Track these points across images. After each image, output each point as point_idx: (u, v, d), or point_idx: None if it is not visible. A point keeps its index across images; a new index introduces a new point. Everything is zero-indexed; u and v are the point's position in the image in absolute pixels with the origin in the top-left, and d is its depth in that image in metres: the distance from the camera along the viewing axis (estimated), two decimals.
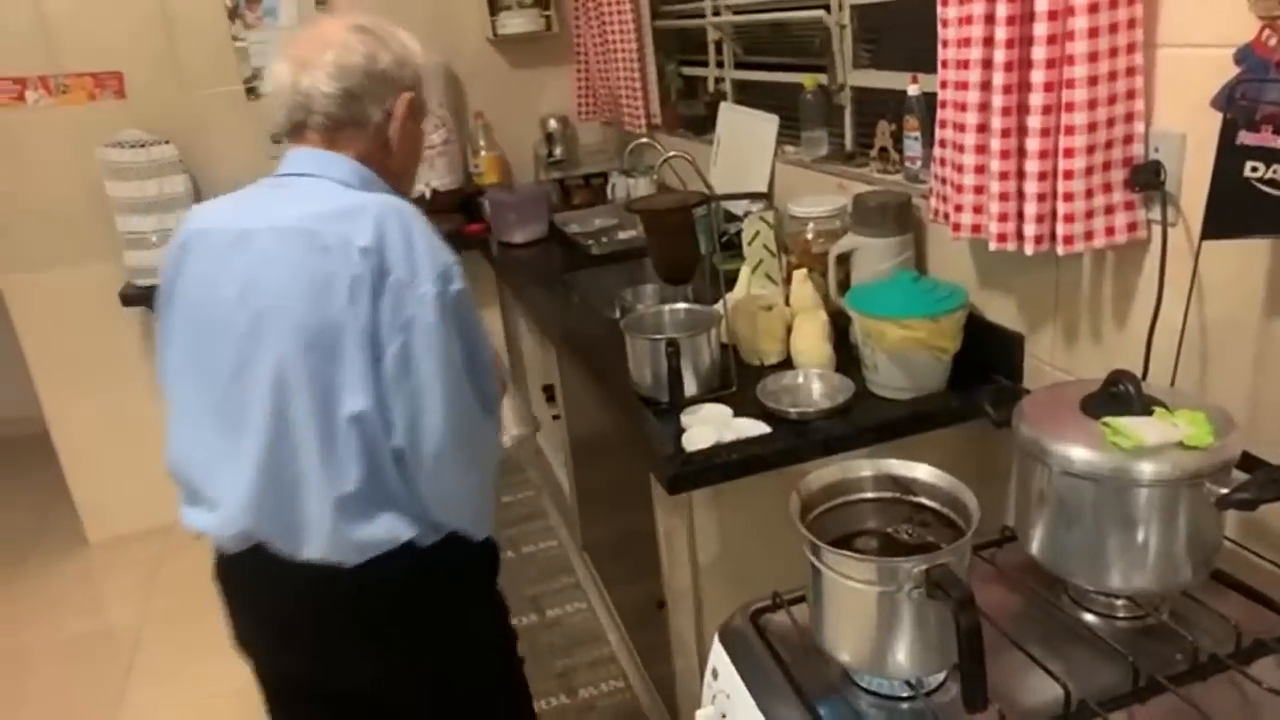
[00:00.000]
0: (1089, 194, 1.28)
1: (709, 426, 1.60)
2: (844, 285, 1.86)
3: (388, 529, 1.19)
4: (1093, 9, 1.18)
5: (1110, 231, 1.30)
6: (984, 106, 1.35)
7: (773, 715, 0.94)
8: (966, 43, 1.34)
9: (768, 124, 2.37)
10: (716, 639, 1.07)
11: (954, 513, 0.94)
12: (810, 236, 1.99)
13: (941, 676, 0.94)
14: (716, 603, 1.68)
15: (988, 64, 1.33)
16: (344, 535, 1.18)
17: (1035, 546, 1.03)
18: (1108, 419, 0.95)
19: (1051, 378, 1.54)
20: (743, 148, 2.49)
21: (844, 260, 1.84)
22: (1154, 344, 1.26)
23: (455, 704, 1.40)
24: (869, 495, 0.98)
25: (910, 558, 0.85)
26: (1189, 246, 1.24)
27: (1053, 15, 1.22)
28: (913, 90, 1.80)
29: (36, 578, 3.16)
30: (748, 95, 2.69)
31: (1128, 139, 1.27)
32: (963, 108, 1.38)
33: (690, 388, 1.72)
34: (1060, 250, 1.31)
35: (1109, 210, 1.29)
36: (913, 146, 1.83)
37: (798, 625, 1.03)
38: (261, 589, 1.32)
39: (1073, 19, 1.20)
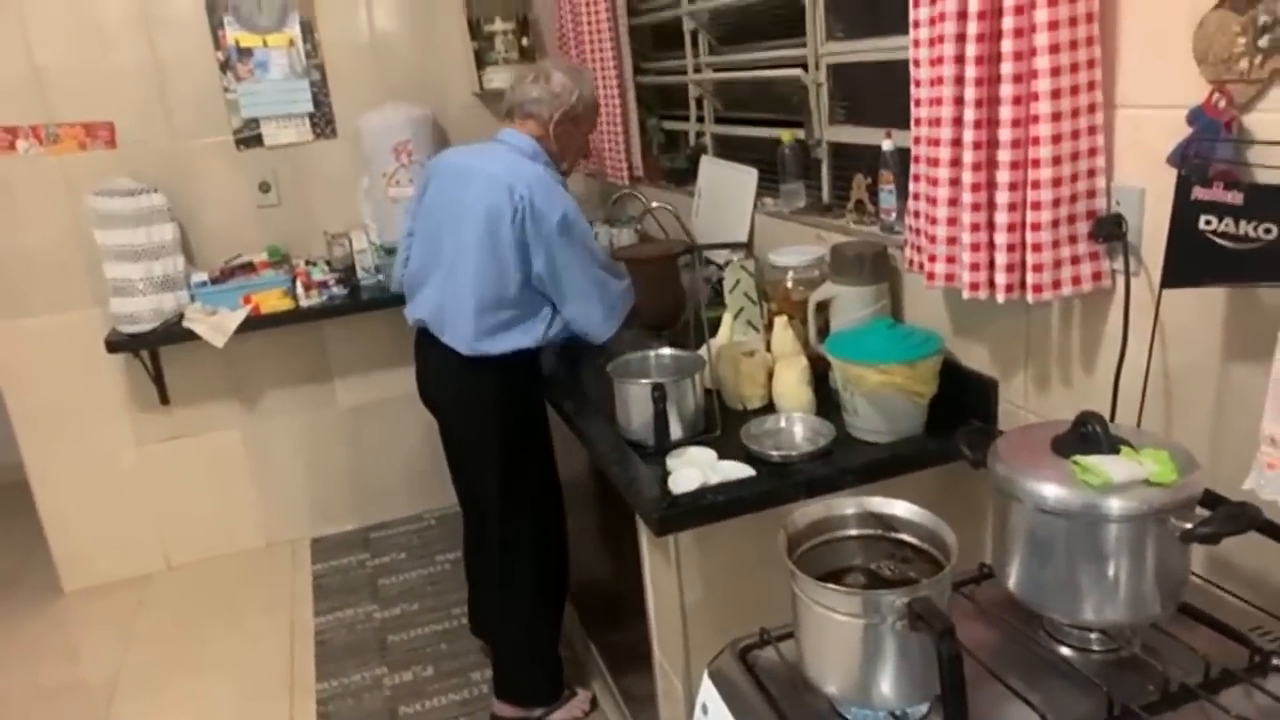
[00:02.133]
0: (1055, 244, 1.34)
1: (694, 469, 1.63)
2: (823, 332, 1.92)
3: (485, 344, 2.09)
4: (1054, 72, 1.26)
5: (1076, 280, 1.36)
6: (955, 162, 1.42)
7: None
8: (938, 101, 1.41)
9: (747, 176, 2.45)
10: (705, 676, 1.09)
11: (934, 548, 0.98)
12: (790, 285, 2.05)
13: (925, 708, 0.97)
14: (704, 644, 1.70)
15: (958, 121, 1.40)
16: (469, 339, 2.10)
17: (1012, 582, 1.07)
18: (1077, 458, 1.00)
19: (1025, 420, 1.60)
20: (723, 199, 2.57)
21: (823, 308, 1.90)
22: (1120, 387, 1.31)
23: (511, 469, 2.22)
24: (852, 532, 1.02)
25: (892, 590, 0.88)
26: (1151, 295, 1.30)
27: (1018, 78, 1.29)
28: (886, 145, 1.87)
29: (10, 626, 3.11)
30: (728, 149, 2.77)
31: (1090, 193, 1.34)
32: (935, 163, 1.45)
33: (676, 432, 1.76)
34: (1030, 298, 1.37)
35: (1075, 260, 1.36)
36: (887, 199, 1.91)
37: (785, 661, 1.06)
38: (424, 353, 2.27)
39: (1036, 81, 1.28)
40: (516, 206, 1.98)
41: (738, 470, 1.63)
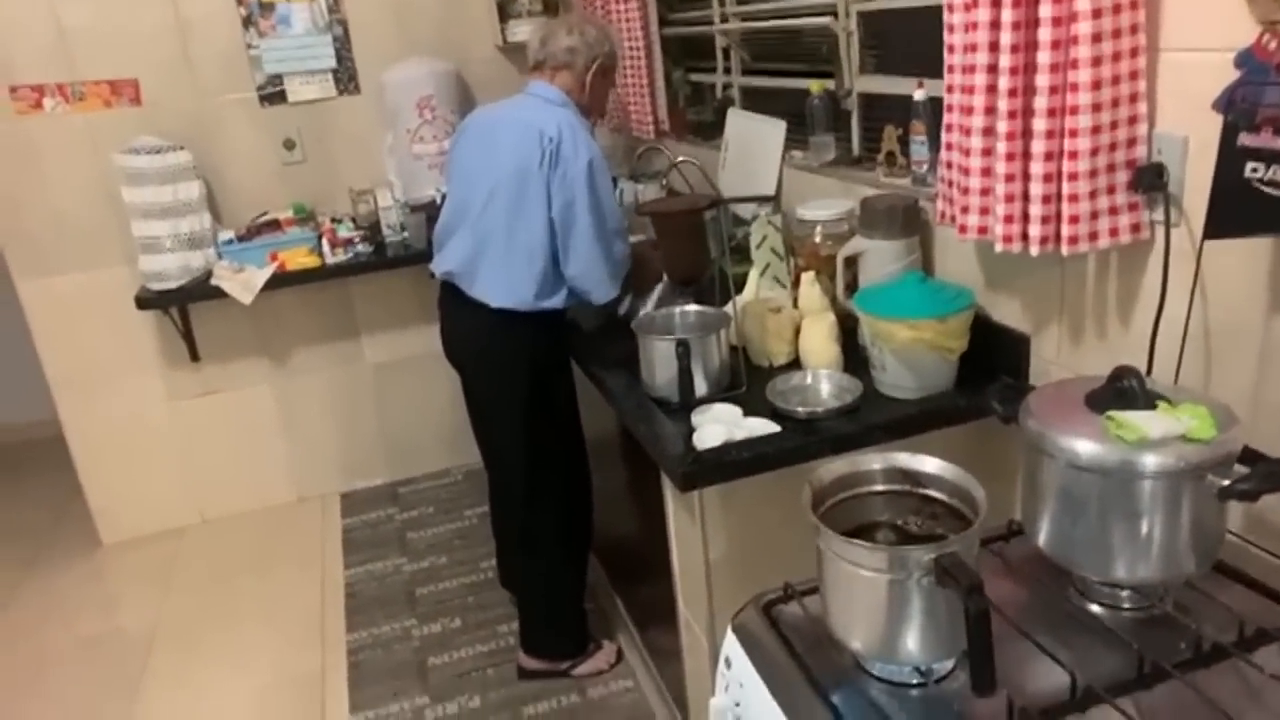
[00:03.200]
0: (1093, 195, 1.30)
1: (719, 425, 1.62)
2: (851, 287, 1.89)
3: (513, 296, 2.07)
4: (1096, 14, 1.21)
5: (1114, 232, 1.32)
6: (990, 110, 1.38)
7: (786, 703, 0.97)
8: (973, 48, 1.37)
9: (775, 129, 2.40)
10: (729, 629, 1.09)
11: (962, 504, 0.96)
12: (818, 239, 2.01)
13: (950, 664, 0.97)
14: (728, 599, 1.70)
15: (993, 68, 1.35)
16: (492, 290, 2.09)
17: (1042, 539, 1.05)
18: (1112, 413, 0.98)
19: (1058, 377, 1.56)
20: (751, 153, 2.52)
21: (851, 263, 1.87)
22: (1158, 342, 1.28)
23: (537, 424, 2.22)
24: (879, 488, 1.01)
25: (920, 545, 0.87)
26: (1191, 247, 1.26)
27: (1057, 21, 1.25)
28: (918, 95, 1.82)
29: (50, 578, 3.19)
30: (755, 101, 2.72)
31: (1131, 141, 1.29)
32: (969, 111, 1.41)
33: (701, 388, 1.75)
34: (1065, 251, 1.34)
35: (1113, 211, 1.32)
36: (919, 150, 1.86)
37: (809, 615, 1.05)
38: (450, 308, 2.23)
39: (1076, 24, 1.23)
40: (545, 149, 1.98)
41: (763, 426, 1.62)
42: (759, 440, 1.58)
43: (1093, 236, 1.32)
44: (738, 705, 1.04)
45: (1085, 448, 0.98)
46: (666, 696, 2.22)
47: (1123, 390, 1.01)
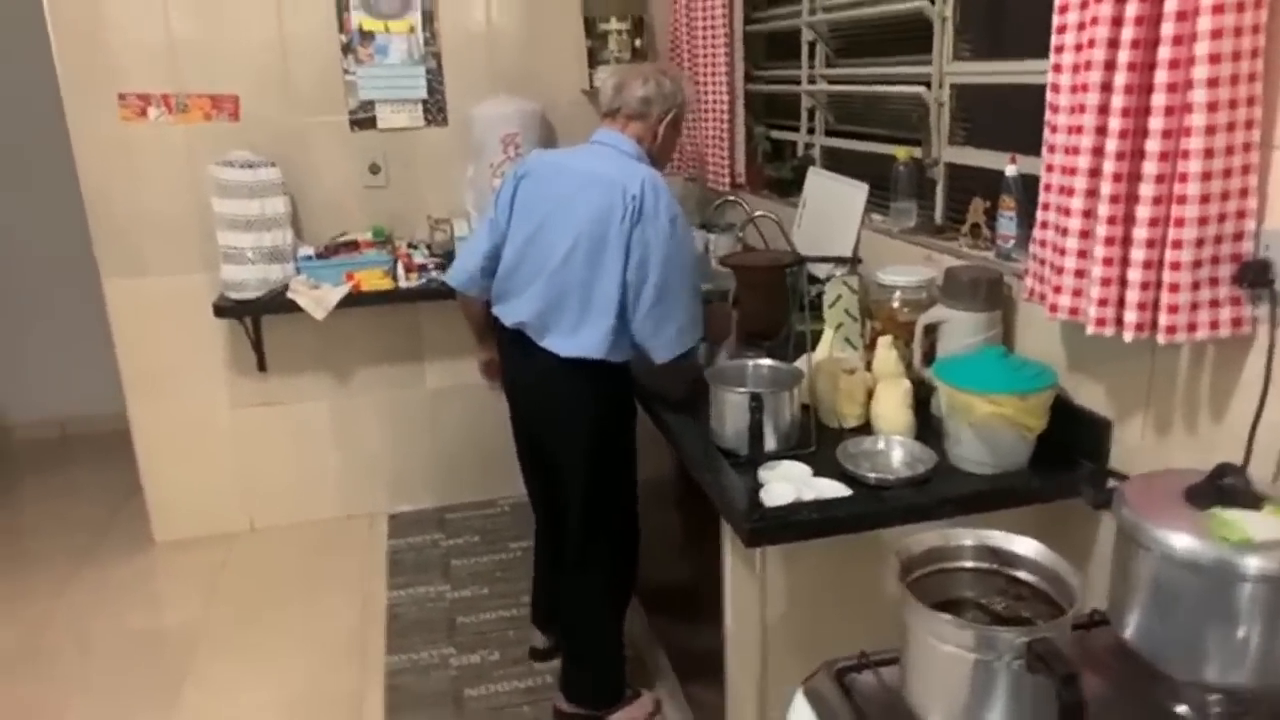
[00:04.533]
0: (1195, 286, 1.29)
1: (788, 484, 1.62)
2: (928, 356, 1.88)
3: (585, 347, 2.04)
4: (1212, 107, 1.21)
5: (1214, 325, 1.31)
6: (1091, 192, 1.37)
7: None
8: (1079, 130, 1.37)
9: (856, 191, 2.42)
10: (799, 694, 1.08)
11: (1053, 589, 0.94)
12: (896, 305, 2.01)
13: None
14: (781, 661, 1.68)
15: (1098, 151, 1.35)
16: (564, 341, 2.06)
17: (1130, 632, 1.03)
18: (1216, 510, 0.96)
19: (1140, 466, 1.53)
20: (828, 212, 2.54)
21: (931, 331, 1.86)
22: (1256, 441, 1.25)
23: (598, 475, 2.20)
24: (967, 564, 0.99)
25: (1012, 628, 0.86)
26: None
27: (1169, 111, 1.25)
28: (1010, 170, 1.83)
29: (104, 570, 3.25)
30: (834, 162, 2.74)
31: (1237, 235, 1.28)
32: (1070, 192, 1.40)
33: (770, 443, 1.74)
34: (1161, 339, 1.32)
35: (1214, 304, 1.30)
36: (1007, 225, 1.86)
37: (885, 686, 1.03)
38: (517, 356, 2.18)
39: (1190, 116, 1.23)
40: (628, 206, 1.95)
41: (833, 489, 1.61)
42: (828, 502, 1.57)
43: (1191, 328, 1.31)
44: None
45: (1183, 543, 0.96)
46: None
47: (1225, 488, 0.99)
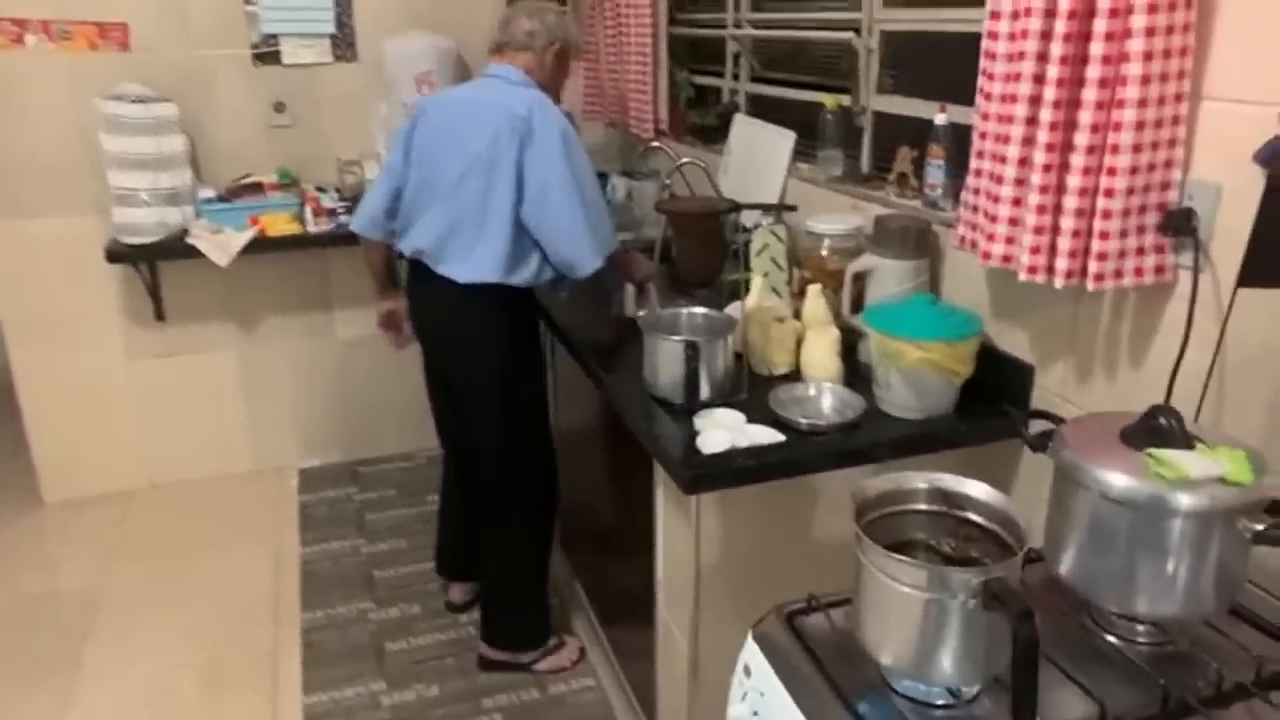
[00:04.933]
0: (1123, 234, 1.32)
1: (723, 431, 1.61)
2: (856, 304, 1.90)
3: (482, 270, 2.07)
4: (1148, 57, 1.23)
5: (1139, 272, 1.35)
6: (1028, 140, 1.39)
7: (810, 712, 0.96)
8: (1016, 77, 1.38)
9: (783, 139, 2.40)
10: (750, 637, 1.08)
11: (1002, 530, 0.96)
12: (825, 253, 2.02)
13: (977, 689, 0.97)
14: (714, 606, 1.69)
15: (1035, 100, 1.37)
16: (461, 266, 2.09)
17: (1065, 567, 1.06)
18: (1152, 450, 0.99)
19: (1060, 409, 1.58)
20: (754, 160, 2.52)
21: (860, 279, 1.88)
22: (1175, 384, 1.30)
23: (507, 407, 2.23)
24: (919, 507, 1.00)
25: (968, 568, 0.87)
26: (1215, 293, 1.29)
27: (1107, 59, 1.26)
28: (940, 119, 1.84)
29: None
30: (760, 109, 2.72)
31: (1164, 185, 1.31)
32: (1005, 140, 1.42)
33: (704, 392, 1.73)
34: (1090, 286, 1.35)
35: (1140, 251, 1.34)
36: (935, 174, 1.87)
37: (835, 628, 1.05)
38: (419, 288, 2.23)
39: (1127, 65, 1.24)
40: (515, 126, 2.00)
41: (767, 435, 1.62)
42: (763, 449, 1.58)
43: (1118, 275, 1.34)
44: (756, 715, 1.03)
45: (1121, 482, 0.99)
46: (631, 698, 2.20)
47: (1159, 428, 1.02)
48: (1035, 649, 0.82)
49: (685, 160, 2.40)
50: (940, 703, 0.96)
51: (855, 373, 1.86)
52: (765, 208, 1.86)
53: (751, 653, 1.06)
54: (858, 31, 2.15)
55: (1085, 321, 1.53)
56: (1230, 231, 1.27)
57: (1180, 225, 1.31)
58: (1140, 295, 1.42)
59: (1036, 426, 1.21)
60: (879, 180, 2.14)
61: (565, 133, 2.04)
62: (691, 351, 1.67)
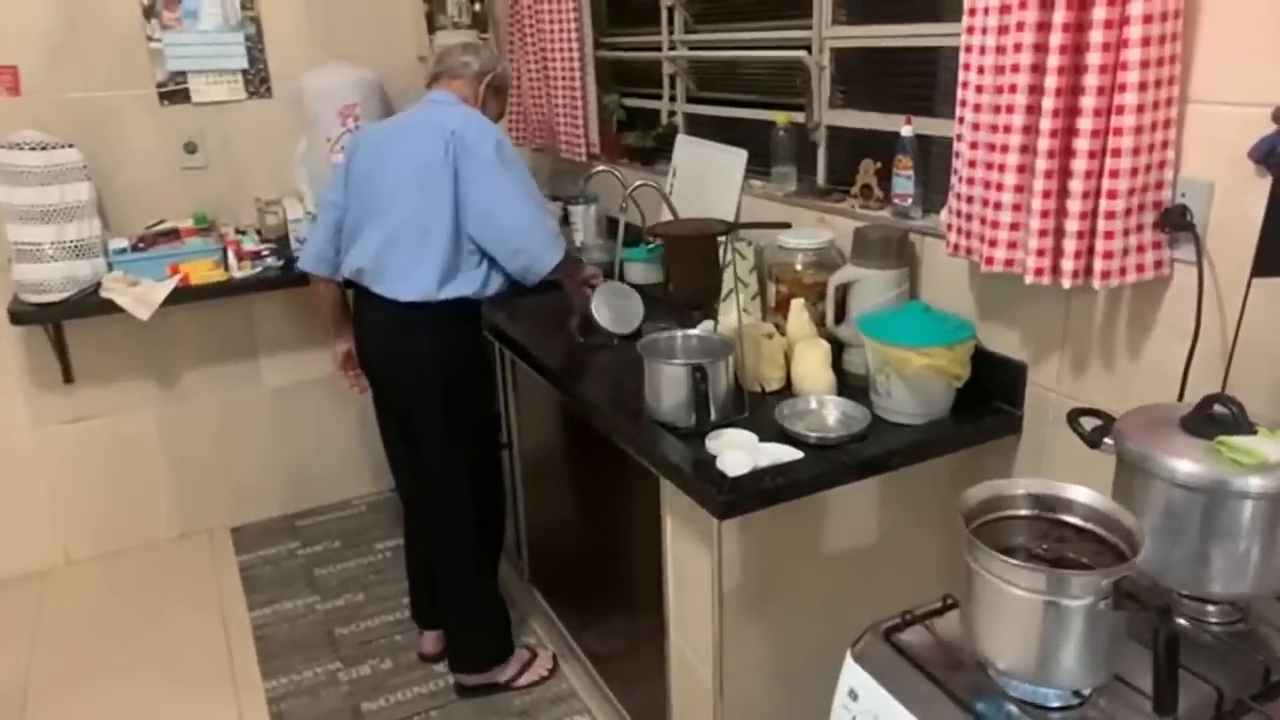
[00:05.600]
0: (1125, 233, 1.39)
1: (741, 452, 1.60)
2: (838, 314, 1.93)
3: (422, 287, 2.06)
4: (1144, 65, 1.30)
5: (1140, 269, 1.42)
6: (1026, 149, 1.44)
7: None
8: (1012, 89, 1.43)
9: (734, 158, 2.42)
10: (849, 660, 1.07)
11: (1104, 530, 0.99)
12: (800, 267, 2.05)
13: (1089, 690, 0.98)
14: (736, 631, 1.68)
15: (1031, 109, 1.42)
16: (401, 284, 2.07)
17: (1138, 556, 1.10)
18: (1223, 438, 1.03)
19: (1057, 404, 1.65)
20: (704, 180, 2.54)
21: (841, 290, 1.91)
22: (1189, 375, 1.37)
23: (455, 426, 2.20)
24: (1019, 513, 1.02)
25: (1090, 571, 0.89)
26: (1214, 285, 1.37)
27: (1104, 69, 1.32)
28: (906, 131, 1.89)
29: None
30: (696, 129, 2.75)
31: (1159, 184, 1.39)
32: (1004, 149, 1.46)
33: (711, 413, 1.72)
34: (1097, 284, 1.41)
35: (1140, 249, 1.41)
36: (903, 184, 1.93)
37: (938, 639, 1.05)
38: (364, 311, 2.20)
39: (1125, 73, 1.31)
40: (448, 142, 2.02)
41: (785, 453, 1.62)
42: (787, 467, 1.58)
43: (1122, 272, 1.41)
44: None
45: (1197, 469, 1.03)
46: None
47: (1220, 416, 1.07)
48: (1177, 643, 0.85)
49: (640, 183, 2.39)
50: (1057, 704, 0.97)
51: (844, 383, 1.89)
52: (761, 227, 1.87)
53: (855, 675, 1.05)
54: (809, 49, 2.19)
55: (1078, 318, 1.60)
56: (1223, 226, 1.35)
57: (1177, 221, 1.38)
58: (1135, 291, 1.49)
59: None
60: (837, 193, 2.19)
61: (500, 142, 2.07)
62: (699, 374, 1.66)
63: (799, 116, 2.28)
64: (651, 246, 2.64)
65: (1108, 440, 1.15)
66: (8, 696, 2.47)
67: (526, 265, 2.08)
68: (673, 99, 2.84)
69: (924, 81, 2.03)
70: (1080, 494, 1.01)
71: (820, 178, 2.28)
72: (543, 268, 2.08)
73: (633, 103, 3.09)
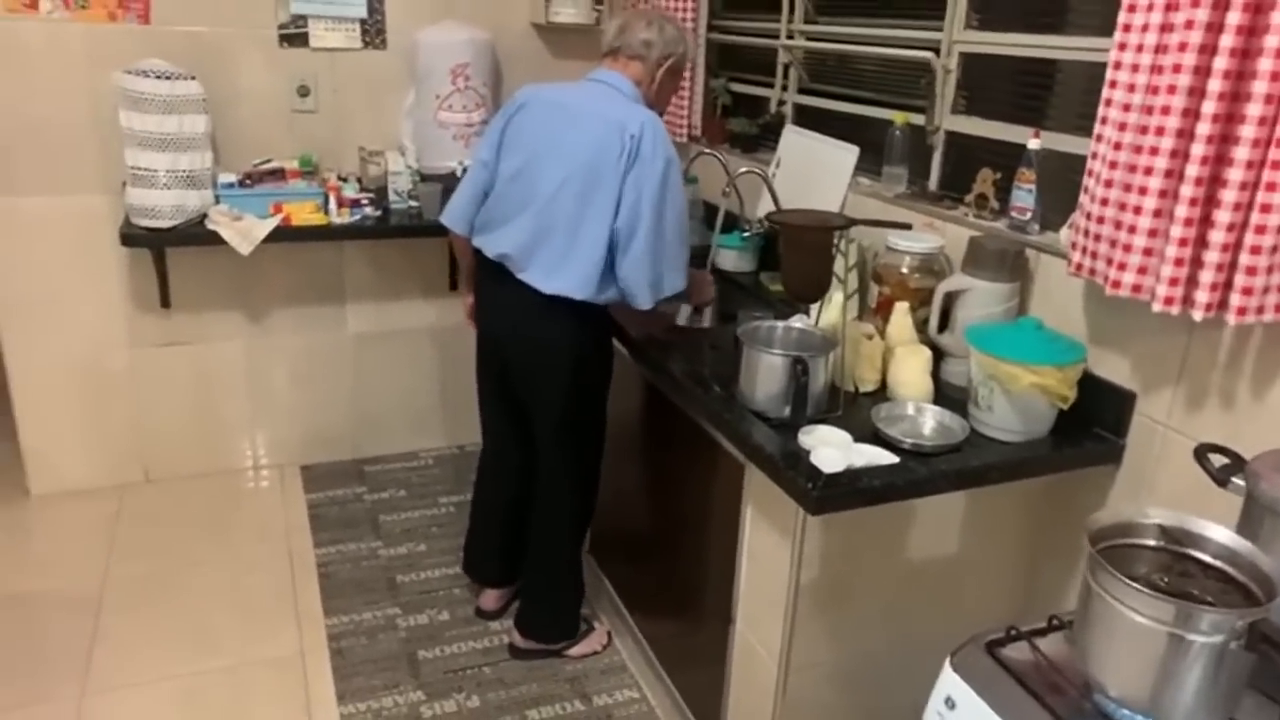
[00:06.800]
0: (1269, 270, 1.34)
1: (834, 450, 1.60)
2: (942, 323, 1.90)
3: (570, 285, 2.02)
4: None
5: (1279, 309, 1.37)
6: (1171, 173, 1.40)
7: None
8: (1165, 110, 1.39)
9: (845, 153, 2.39)
10: (949, 669, 1.07)
11: (1237, 571, 0.96)
12: (905, 270, 2.02)
13: None
14: (806, 628, 1.68)
15: (1183, 133, 1.38)
16: (548, 277, 2.04)
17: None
18: None
19: (1166, 439, 1.61)
20: (810, 172, 2.51)
21: (949, 298, 1.88)
22: None
23: (573, 415, 2.21)
24: (1146, 542, 1.00)
25: (1229, 610, 0.87)
26: None
27: (1269, 99, 1.28)
28: (1034, 144, 1.85)
29: None
30: (804, 120, 2.72)
31: None
32: (1148, 171, 1.43)
33: (808, 407, 1.72)
34: (1232, 320, 1.37)
35: None
36: (1024, 198, 1.89)
37: (1044, 658, 1.04)
38: (495, 290, 2.16)
39: None
40: (625, 144, 1.95)
41: (880, 455, 1.61)
42: (883, 469, 1.57)
43: (1260, 310, 1.37)
44: None
45: None
46: (685, 711, 2.17)
47: None
48: None
49: (744, 169, 2.38)
50: None
51: (940, 392, 1.86)
52: (882, 225, 1.85)
53: (953, 684, 1.05)
54: (937, 51, 2.15)
55: (1199, 352, 1.55)
56: None
57: None
58: (1267, 330, 1.45)
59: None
60: (949, 200, 2.15)
61: (670, 162, 1.99)
62: (801, 367, 1.65)
63: (917, 118, 2.24)
64: (746, 234, 2.63)
65: (1236, 480, 1.12)
66: (85, 603, 2.56)
67: (625, 294, 2.04)
68: (784, 88, 2.81)
69: (1048, 95, 1.99)
70: (1215, 531, 0.99)
71: (933, 182, 2.25)
72: (635, 304, 2.04)
73: (739, 88, 3.07)
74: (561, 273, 2.03)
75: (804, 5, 2.67)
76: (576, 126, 2.01)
